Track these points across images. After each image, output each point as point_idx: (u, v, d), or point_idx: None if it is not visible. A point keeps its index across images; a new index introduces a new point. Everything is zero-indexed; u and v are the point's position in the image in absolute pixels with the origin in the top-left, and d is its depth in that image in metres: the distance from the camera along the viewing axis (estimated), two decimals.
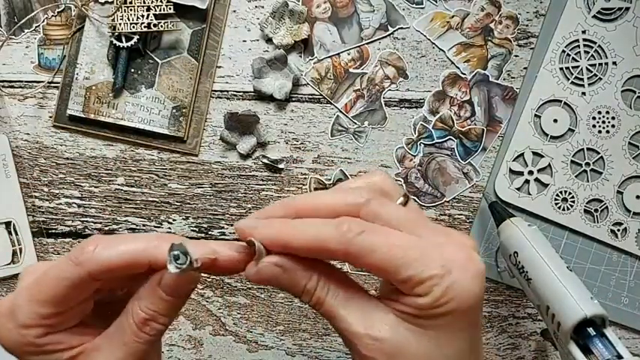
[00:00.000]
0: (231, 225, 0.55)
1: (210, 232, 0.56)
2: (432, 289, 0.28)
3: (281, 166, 0.55)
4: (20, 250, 0.55)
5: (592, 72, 0.55)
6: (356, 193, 0.30)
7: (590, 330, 0.43)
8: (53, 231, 0.56)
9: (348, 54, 0.55)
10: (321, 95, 0.55)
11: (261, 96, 0.55)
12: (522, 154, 0.55)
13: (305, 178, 0.56)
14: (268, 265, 0.30)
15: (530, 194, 0.56)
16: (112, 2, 0.53)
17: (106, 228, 0.55)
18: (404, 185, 0.56)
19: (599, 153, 0.55)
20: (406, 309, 0.29)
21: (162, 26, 0.52)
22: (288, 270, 0.30)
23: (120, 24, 0.52)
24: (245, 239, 0.30)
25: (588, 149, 0.55)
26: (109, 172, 0.55)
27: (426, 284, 0.28)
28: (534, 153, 0.55)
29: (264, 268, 0.30)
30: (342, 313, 0.30)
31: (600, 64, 0.55)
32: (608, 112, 0.55)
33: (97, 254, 0.29)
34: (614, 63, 0.55)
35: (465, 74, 0.55)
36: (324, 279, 0.30)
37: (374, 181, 0.32)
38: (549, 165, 0.55)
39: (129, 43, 0.53)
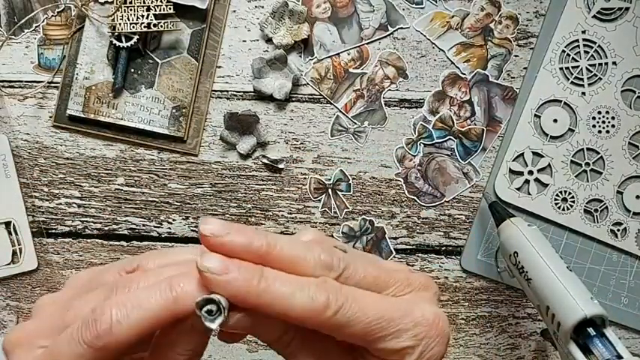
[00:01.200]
0: None
1: None
2: (410, 355, 0.29)
3: (281, 166, 0.55)
4: (20, 250, 0.55)
5: (592, 72, 0.55)
6: (327, 249, 0.29)
7: (590, 330, 0.43)
8: (53, 231, 0.56)
9: (348, 54, 0.55)
10: (321, 95, 0.55)
11: (261, 96, 0.55)
12: (522, 154, 0.55)
13: (305, 178, 0.56)
14: (243, 320, 0.27)
15: (530, 194, 0.56)
16: (111, 2, 0.53)
17: (106, 228, 0.55)
18: (404, 185, 0.56)
19: (599, 153, 0.55)
20: None
21: (162, 26, 0.52)
22: (265, 320, 0.28)
23: (120, 24, 0.52)
24: (207, 284, 0.27)
25: (588, 149, 0.55)
26: (109, 172, 0.55)
27: (399, 354, 0.29)
28: (534, 153, 0.55)
29: (240, 321, 0.27)
30: None
31: (600, 64, 0.55)
32: (608, 112, 0.55)
33: (117, 330, 0.25)
34: (614, 63, 0.55)
35: (464, 74, 0.55)
36: (300, 332, 0.29)
37: (313, 239, 0.31)
38: (549, 165, 0.55)
39: (129, 43, 0.53)
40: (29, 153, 0.55)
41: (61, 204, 0.56)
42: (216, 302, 0.26)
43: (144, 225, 0.55)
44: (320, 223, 0.56)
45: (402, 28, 0.55)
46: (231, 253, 0.27)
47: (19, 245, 0.55)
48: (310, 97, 0.55)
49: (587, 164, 0.55)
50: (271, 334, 0.29)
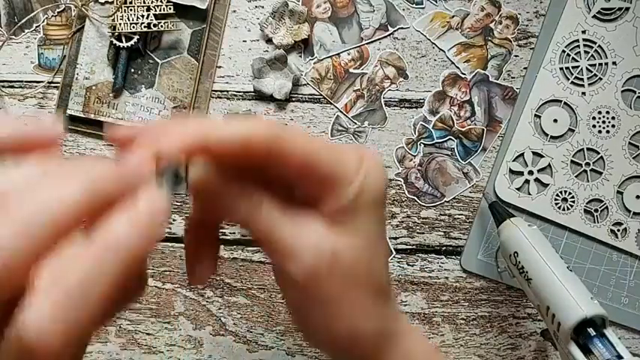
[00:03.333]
0: (232, 225, 0.55)
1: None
2: (353, 185, 0.28)
3: None
4: None
5: (592, 72, 0.55)
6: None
7: (590, 330, 0.43)
8: None
9: (348, 54, 0.55)
10: (321, 95, 0.55)
11: (261, 96, 0.55)
12: (522, 154, 0.55)
13: None
14: (205, 167, 0.26)
15: (530, 194, 0.56)
16: (112, 2, 0.53)
17: None
18: (404, 185, 0.56)
19: (599, 153, 0.55)
20: (331, 212, 0.29)
21: (162, 26, 0.52)
22: (226, 174, 0.27)
23: (120, 24, 0.52)
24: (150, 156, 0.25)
25: (588, 149, 0.55)
26: None
27: (345, 180, 0.28)
28: (534, 153, 0.55)
29: (203, 171, 0.26)
30: (280, 226, 0.28)
31: (600, 64, 0.55)
32: (608, 112, 0.55)
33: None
34: (614, 63, 0.55)
35: (464, 74, 0.55)
36: (259, 187, 0.28)
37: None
38: (549, 165, 0.55)
39: (129, 43, 0.53)
40: None
41: None
42: (173, 169, 0.25)
43: None
44: None
45: (402, 28, 0.55)
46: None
47: None
48: (310, 97, 0.55)
49: (588, 164, 0.55)
50: (233, 191, 0.27)
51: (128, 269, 0.21)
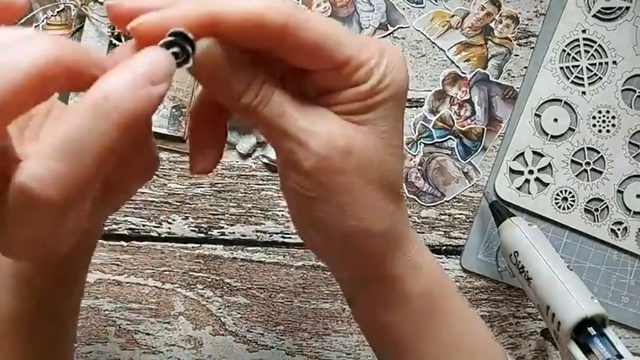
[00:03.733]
0: (232, 225, 0.55)
1: (210, 232, 0.55)
2: (372, 72, 0.27)
3: None
4: None
5: (592, 71, 0.55)
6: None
7: (591, 329, 0.43)
8: None
9: None
10: None
11: None
12: (522, 154, 0.55)
13: None
14: (215, 47, 0.24)
15: (530, 193, 0.55)
16: None
17: (106, 228, 0.55)
18: (404, 185, 0.56)
19: (599, 152, 0.55)
20: (347, 107, 0.27)
21: None
22: (233, 58, 0.25)
23: None
24: (153, 34, 0.23)
25: (588, 148, 0.55)
26: None
27: (365, 67, 0.26)
28: (534, 152, 0.55)
29: (211, 49, 0.24)
30: (293, 112, 0.26)
31: (600, 64, 0.55)
32: (608, 112, 0.55)
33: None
34: (615, 62, 0.55)
35: (465, 73, 0.55)
36: (271, 75, 0.26)
37: None
38: (549, 164, 0.55)
39: None
40: None
41: None
42: (179, 41, 0.23)
43: (143, 225, 0.55)
44: None
45: (402, 27, 0.55)
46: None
47: None
48: None
49: (588, 163, 0.55)
50: (244, 75, 0.25)
51: (124, 131, 0.20)
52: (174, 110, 0.54)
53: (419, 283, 0.32)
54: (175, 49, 0.23)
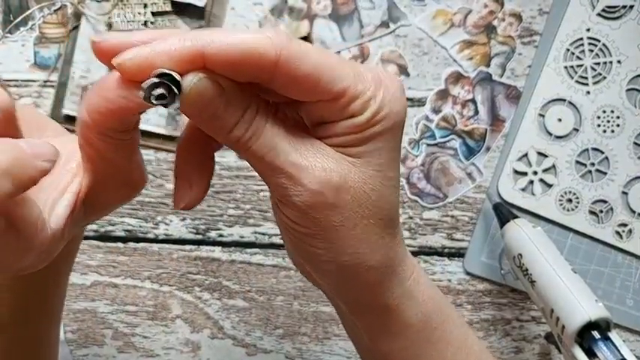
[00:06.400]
0: (230, 226, 0.55)
1: (207, 234, 0.55)
2: (369, 104, 0.26)
3: None
4: None
5: (596, 71, 0.55)
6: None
7: (595, 333, 0.43)
8: None
9: (349, 51, 0.54)
10: None
11: None
12: (526, 154, 0.55)
13: None
14: (204, 80, 0.23)
15: (534, 195, 0.55)
16: (108, 0, 0.52)
17: (102, 229, 0.55)
18: (406, 186, 0.55)
19: (603, 153, 0.55)
20: (342, 139, 0.26)
21: (159, 24, 0.52)
22: (227, 90, 0.24)
23: (116, 22, 0.51)
24: (138, 73, 0.23)
25: (593, 149, 0.55)
26: None
27: (361, 99, 0.26)
28: (538, 153, 0.55)
29: (200, 84, 0.23)
30: (285, 146, 0.26)
31: (604, 63, 0.55)
32: (612, 112, 0.55)
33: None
34: (619, 61, 0.54)
35: (467, 72, 0.55)
36: (262, 106, 0.26)
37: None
38: (553, 165, 0.55)
39: None
40: None
41: None
42: (164, 82, 0.22)
43: (140, 226, 0.55)
44: None
45: (403, 25, 0.54)
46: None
47: None
48: None
49: (592, 164, 0.55)
50: (235, 109, 0.25)
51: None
52: (171, 110, 0.53)
53: (417, 311, 0.31)
54: (161, 90, 0.22)
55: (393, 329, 0.31)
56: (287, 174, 0.26)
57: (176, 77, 0.22)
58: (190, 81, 0.23)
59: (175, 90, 0.23)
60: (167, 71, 0.22)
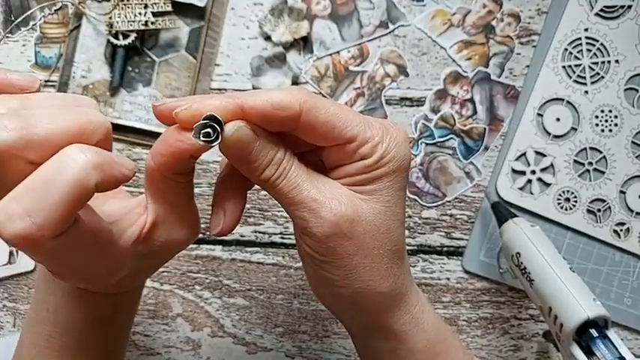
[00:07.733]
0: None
1: (208, 233, 0.55)
2: (376, 149, 0.31)
3: None
4: (17, 250, 0.54)
5: (594, 70, 0.55)
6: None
7: (593, 331, 0.43)
8: None
9: (348, 52, 0.54)
10: (321, 93, 0.55)
11: None
12: (524, 154, 0.55)
13: None
14: (243, 128, 0.29)
15: (532, 194, 0.55)
16: (109, 0, 0.52)
17: None
18: (407, 186, 0.55)
19: (601, 152, 0.55)
20: (354, 178, 0.32)
21: (159, 24, 0.52)
22: (261, 137, 0.30)
23: (117, 22, 0.51)
24: (191, 119, 0.28)
25: (591, 148, 0.55)
26: None
27: (369, 144, 0.31)
28: (537, 152, 0.55)
29: (240, 130, 0.29)
30: (307, 185, 0.31)
31: (603, 63, 0.55)
32: (610, 111, 0.55)
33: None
34: (617, 61, 0.55)
35: (466, 72, 0.55)
36: (289, 152, 0.31)
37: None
38: (552, 164, 0.55)
39: (126, 41, 0.52)
40: None
41: None
42: (212, 124, 0.28)
43: None
44: None
45: (402, 25, 0.55)
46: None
47: None
48: None
49: (590, 163, 0.55)
50: (266, 153, 0.30)
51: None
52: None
53: (422, 338, 0.35)
54: (208, 130, 0.28)
55: (401, 354, 0.35)
56: (308, 207, 0.30)
57: (220, 119, 0.28)
58: (232, 127, 0.28)
59: (219, 130, 0.28)
60: (213, 114, 0.28)
